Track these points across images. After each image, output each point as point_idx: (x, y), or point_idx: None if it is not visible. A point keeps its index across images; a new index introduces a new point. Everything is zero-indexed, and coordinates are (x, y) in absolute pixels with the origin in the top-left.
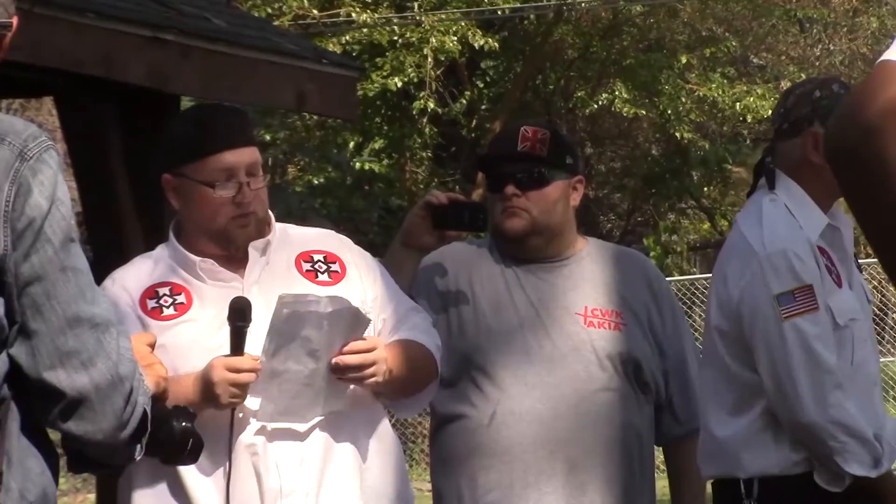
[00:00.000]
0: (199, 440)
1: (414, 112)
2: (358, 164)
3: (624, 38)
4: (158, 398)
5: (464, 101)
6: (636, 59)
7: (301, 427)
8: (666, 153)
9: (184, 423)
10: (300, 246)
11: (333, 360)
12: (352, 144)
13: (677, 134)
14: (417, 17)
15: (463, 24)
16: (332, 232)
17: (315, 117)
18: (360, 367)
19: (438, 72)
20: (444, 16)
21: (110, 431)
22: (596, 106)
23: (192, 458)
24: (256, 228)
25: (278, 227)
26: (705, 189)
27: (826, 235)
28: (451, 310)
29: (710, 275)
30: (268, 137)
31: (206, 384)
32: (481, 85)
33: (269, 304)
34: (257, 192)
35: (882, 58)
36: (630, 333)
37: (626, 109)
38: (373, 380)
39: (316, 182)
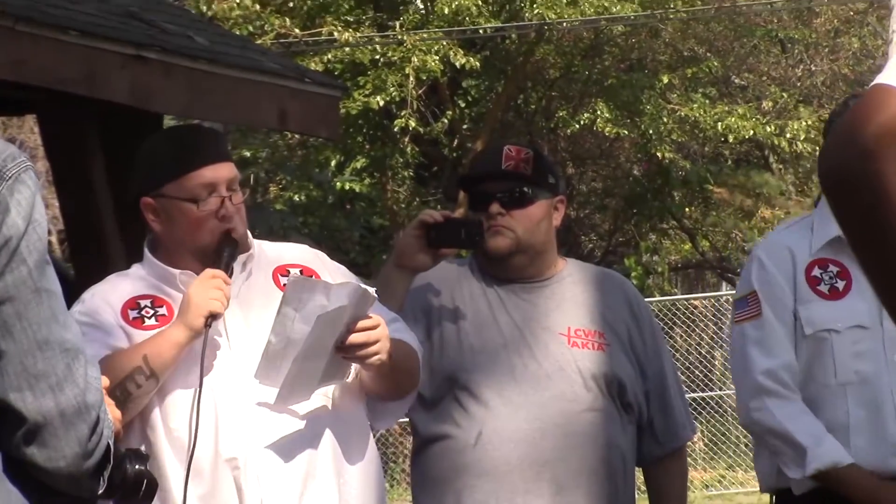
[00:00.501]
0: (154, 482)
1: (395, 130)
2: (339, 184)
3: (605, 57)
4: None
5: (445, 121)
6: (618, 78)
7: (286, 431)
8: (647, 173)
9: (137, 466)
10: (276, 260)
11: (341, 340)
12: (333, 163)
13: (659, 154)
14: (399, 37)
15: (444, 43)
16: (306, 246)
17: (297, 136)
18: (365, 345)
19: (420, 91)
20: (425, 35)
21: (73, 460)
22: (577, 126)
23: (146, 500)
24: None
25: (255, 244)
26: (687, 209)
27: (839, 247)
28: (434, 330)
29: (691, 295)
30: (248, 154)
31: (184, 300)
32: (463, 104)
33: (248, 318)
34: (238, 207)
35: (876, 80)
36: (613, 354)
37: (607, 129)
38: (376, 357)
39: (297, 200)
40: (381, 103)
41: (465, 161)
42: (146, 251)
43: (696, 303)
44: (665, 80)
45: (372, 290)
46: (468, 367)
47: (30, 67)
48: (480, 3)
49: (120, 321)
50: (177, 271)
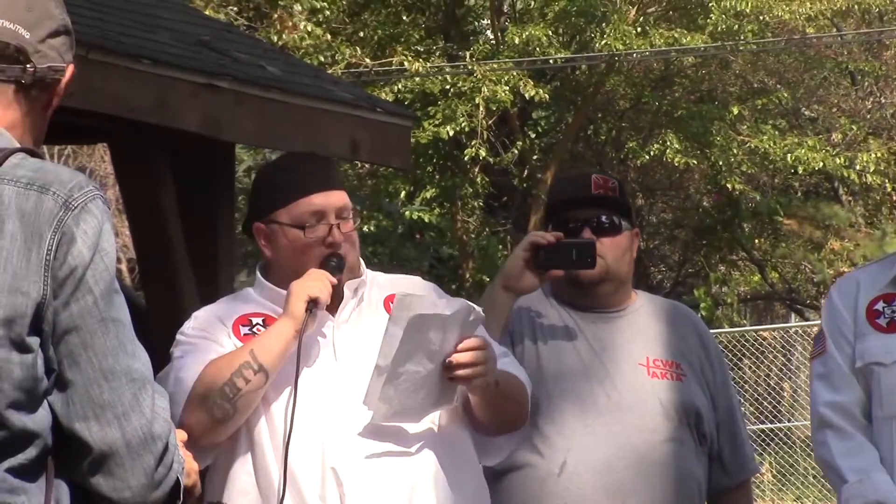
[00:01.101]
0: None
1: (465, 160)
2: (407, 214)
3: (675, 89)
4: (189, 492)
5: (515, 151)
6: (688, 110)
7: (391, 449)
8: (717, 205)
9: None
10: (389, 288)
11: (447, 359)
12: (403, 193)
13: (728, 185)
14: (469, 67)
15: (514, 73)
16: (419, 278)
17: (366, 165)
18: (473, 364)
19: (490, 121)
20: (495, 65)
21: (139, 490)
22: (647, 157)
23: None
24: (347, 274)
25: (367, 272)
26: (756, 241)
27: None
28: (514, 355)
29: (760, 327)
30: None
31: (287, 295)
32: (533, 135)
33: (357, 338)
34: (348, 235)
35: None
36: (690, 384)
37: (677, 160)
38: (482, 379)
39: (367, 230)
40: (451, 133)
41: (534, 191)
42: (258, 275)
43: (766, 334)
44: (735, 111)
45: (479, 308)
46: (550, 395)
47: (101, 96)
48: (551, 33)
49: (231, 336)
50: None
